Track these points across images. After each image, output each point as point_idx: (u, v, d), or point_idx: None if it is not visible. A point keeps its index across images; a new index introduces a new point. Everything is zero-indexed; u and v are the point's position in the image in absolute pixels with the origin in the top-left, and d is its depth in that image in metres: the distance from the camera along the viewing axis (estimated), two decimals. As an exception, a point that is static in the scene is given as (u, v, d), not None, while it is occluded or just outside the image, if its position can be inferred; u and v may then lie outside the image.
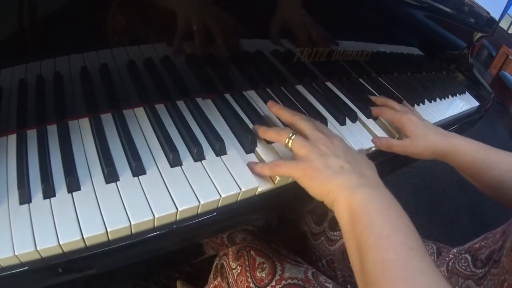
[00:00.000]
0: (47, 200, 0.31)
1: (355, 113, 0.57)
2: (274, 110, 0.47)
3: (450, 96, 0.86)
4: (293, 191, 0.42)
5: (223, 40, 0.46)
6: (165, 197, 0.34)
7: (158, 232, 0.33)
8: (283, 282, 0.49)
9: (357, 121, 0.57)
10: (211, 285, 0.60)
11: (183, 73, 0.46)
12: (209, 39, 0.44)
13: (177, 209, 0.33)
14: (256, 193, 0.39)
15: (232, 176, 0.38)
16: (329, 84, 0.64)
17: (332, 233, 0.63)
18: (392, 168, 0.72)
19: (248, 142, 0.42)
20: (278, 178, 0.40)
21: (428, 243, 0.60)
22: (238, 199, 0.38)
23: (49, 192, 0.31)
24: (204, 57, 0.46)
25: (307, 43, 0.55)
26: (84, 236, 0.29)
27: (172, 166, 0.37)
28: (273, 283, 0.49)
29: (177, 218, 0.34)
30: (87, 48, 0.37)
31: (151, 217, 0.32)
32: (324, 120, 0.52)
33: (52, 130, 0.37)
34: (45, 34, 0.34)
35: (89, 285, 0.33)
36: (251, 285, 0.50)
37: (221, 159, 0.40)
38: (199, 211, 0.36)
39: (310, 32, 0.54)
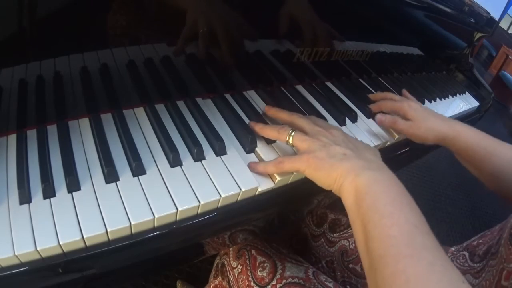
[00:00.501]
0: (47, 200, 0.31)
1: (355, 113, 0.57)
2: (272, 113, 0.48)
3: (450, 96, 0.86)
4: (293, 191, 0.42)
5: (224, 40, 0.46)
6: (165, 197, 0.34)
7: (158, 232, 0.33)
8: (284, 281, 0.49)
9: (357, 121, 0.57)
10: (212, 285, 0.60)
11: (183, 73, 0.46)
12: (209, 40, 0.44)
13: (177, 209, 0.33)
14: (256, 193, 0.39)
15: (232, 176, 0.38)
16: (329, 84, 0.64)
17: (332, 235, 0.63)
18: (396, 166, 0.72)
19: (248, 142, 0.42)
20: (278, 178, 0.40)
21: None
22: (238, 199, 0.38)
23: (49, 192, 0.31)
24: (204, 57, 0.46)
25: (307, 43, 0.55)
26: (84, 236, 0.29)
27: (172, 166, 0.37)
28: (274, 282, 0.49)
29: (177, 218, 0.34)
30: (87, 48, 0.37)
31: (151, 217, 0.32)
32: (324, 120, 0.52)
33: (52, 130, 0.37)
34: (45, 34, 0.34)
35: (89, 285, 0.33)
36: (252, 284, 0.50)
37: (221, 159, 0.40)
38: (199, 211, 0.36)
39: (310, 32, 0.54)
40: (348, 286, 0.57)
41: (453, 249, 0.52)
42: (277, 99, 0.54)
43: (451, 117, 0.76)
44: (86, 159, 0.35)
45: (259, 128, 0.44)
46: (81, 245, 0.30)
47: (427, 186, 1.77)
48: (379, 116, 0.54)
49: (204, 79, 0.48)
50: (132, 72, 0.41)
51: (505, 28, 3.76)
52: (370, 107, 0.60)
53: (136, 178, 0.35)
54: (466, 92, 0.96)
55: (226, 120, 0.46)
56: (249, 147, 0.43)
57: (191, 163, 0.38)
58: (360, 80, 0.71)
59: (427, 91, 0.79)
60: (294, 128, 0.42)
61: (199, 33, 0.43)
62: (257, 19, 0.49)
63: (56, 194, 0.31)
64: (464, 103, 0.89)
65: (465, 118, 0.85)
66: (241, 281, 0.52)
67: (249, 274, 0.51)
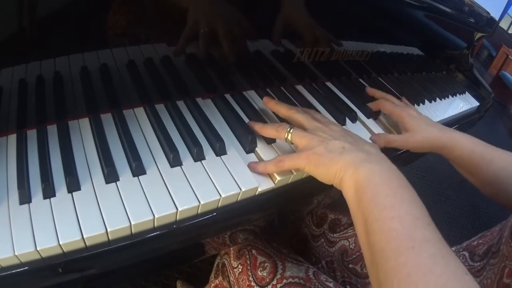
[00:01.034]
0: (47, 200, 0.31)
1: (355, 113, 0.57)
2: (270, 105, 0.48)
3: (450, 96, 0.86)
4: (293, 191, 0.42)
5: (224, 40, 0.46)
6: (165, 197, 0.34)
7: (158, 232, 0.33)
8: (284, 281, 0.49)
9: (357, 121, 0.57)
10: (212, 284, 0.60)
11: (183, 73, 0.46)
12: (210, 40, 0.44)
13: (177, 209, 0.33)
14: (256, 193, 0.39)
15: (232, 176, 0.38)
16: (329, 84, 0.64)
17: (332, 235, 0.63)
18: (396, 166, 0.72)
19: (248, 142, 0.42)
20: (278, 178, 0.40)
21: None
22: (238, 199, 0.38)
23: (49, 192, 0.31)
24: (204, 57, 0.46)
25: (307, 43, 0.55)
26: (84, 236, 0.29)
27: (172, 166, 0.37)
28: (274, 282, 0.49)
29: (177, 218, 0.34)
30: (87, 48, 0.37)
31: (151, 217, 0.32)
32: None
33: (52, 130, 0.37)
34: (45, 34, 0.34)
35: (89, 285, 0.33)
36: (253, 284, 0.50)
37: (221, 159, 0.40)
38: (199, 211, 0.36)
39: (310, 32, 0.54)
40: (348, 286, 0.57)
41: (453, 249, 0.52)
42: (276, 99, 0.54)
43: (451, 117, 0.77)
44: (86, 159, 0.35)
45: (258, 128, 0.44)
46: (81, 245, 0.30)
47: (427, 186, 1.77)
48: (373, 137, 0.52)
49: (204, 79, 0.48)
50: (132, 72, 0.41)
51: (505, 28, 3.76)
52: (369, 105, 0.60)
53: (136, 178, 0.35)
54: (466, 92, 0.96)
55: (226, 120, 0.46)
56: (249, 147, 0.43)
57: (191, 163, 0.38)
58: (360, 80, 0.71)
59: (427, 91, 0.79)
60: (292, 123, 0.42)
61: (199, 33, 0.43)
62: (257, 19, 0.49)
63: (56, 194, 0.31)
64: (464, 103, 0.89)
65: (465, 118, 0.85)
66: (242, 281, 0.52)
67: (250, 274, 0.51)
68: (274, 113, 0.49)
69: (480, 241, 0.45)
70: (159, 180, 0.35)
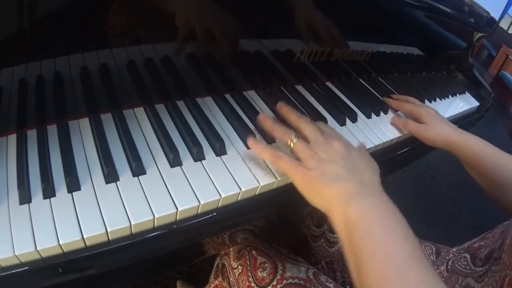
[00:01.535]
0: (47, 200, 0.31)
1: (355, 113, 0.57)
2: (284, 111, 0.46)
3: (450, 96, 0.86)
4: (293, 191, 0.42)
5: (224, 40, 0.46)
6: (165, 197, 0.34)
7: (158, 232, 0.33)
8: (284, 281, 0.49)
9: (357, 121, 0.57)
10: (212, 285, 0.60)
11: (183, 73, 0.46)
12: (210, 40, 0.44)
13: (177, 209, 0.33)
14: (256, 193, 0.39)
15: (232, 176, 0.38)
16: (329, 84, 0.64)
17: (332, 235, 0.63)
18: (396, 166, 0.72)
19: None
20: (278, 178, 0.40)
21: (427, 244, 0.60)
22: (238, 199, 0.38)
23: (49, 192, 0.31)
24: (204, 57, 0.46)
25: (307, 43, 0.55)
26: (84, 236, 0.29)
27: (172, 166, 0.37)
28: (274, 283, 0.49)
29: (177, 218, 0.34)
30: (87, 48, 0.37)
31: (151, 217, 0.32)
32: (324, 120, 0.52)
33: (52, 130, 0.37)
34: (45, 34, 0.34)
35: (89, 285, 0.33)
36: (253, 284, 0.50)
37: (221, 159, 0.40)
38: (199, 211, 0.36)
39: (310, 32, 0.54)
40: (348, 287, 0.57)
41: (454, 250, 0.52)
42: (277, 99, 0.54)
43: (451, 117, 0.76)
44: (86, 159, 0.35)
45: (269, 124, 0.43)
46: (81, 245, 0.30)
47: (427, 186, 1.77)
48: (394, 118, 0.59)
49: (204, 79, 0.48)
50: (132, 72, 0.41)
51: (505, 28, 3.76)
52: (389, 102, 0.64)
53: (136, 178, 0.35)
54: (466, 92, 0.96)
55: (226, 120, 0.46)
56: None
57: (191, 163, 0.38)
58: (360, 80, 0.71)
59: (427, 91, 0.79)
60: (299, 132, 0.42)
61: (197, 34, 0.43)
62: (257, 19, 0.49)
63: (56, 194, 0.31)
64: (464, 103, 0.89)
65: (465, 118, 0.85)
66: (242, 281, 0.52)
67: (250, 274, 0.51)
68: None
69: (482, 243, 0.45)
70: (159, 180, 0.35)
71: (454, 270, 0.46)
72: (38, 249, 0.27)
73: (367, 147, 0.52)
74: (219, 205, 0.37)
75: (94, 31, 0.37)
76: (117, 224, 0.30)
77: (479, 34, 0.97)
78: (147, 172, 0.36)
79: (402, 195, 1.57)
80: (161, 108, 0.44)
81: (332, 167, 0.37)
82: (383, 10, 0.63)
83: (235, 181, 0.38)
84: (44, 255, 0.28)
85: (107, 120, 0.40)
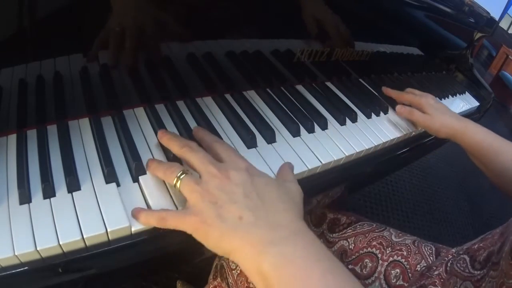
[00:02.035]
0: (47, 200, 0.31)
1: (355, 113, 0.57)
2: (164, 142, 0.37)
3: (450, 96, 0.86)
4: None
5: (224, 40, 0.46)
6: (165, 197, 0.34)
7: (158, 232, 0.33)
8: (283, 282, 0.48)
9: (357, 121, 0.57)
10: (211, 286, 0.60)
11: (183, 73, 0.46)
12: (210, 40, 0.44)
13: (177, 208, 0.33)
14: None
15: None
16: (329, 84, 0.64)
17: (331, 235, 0.63)
18: (396, 166, 0.72)
19: (247, 140, 0.42)
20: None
21: (427, 244, 0.60)
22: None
23: (49, 192, 0.31)
24: (204, 57, 0.46)
25: (310, 41, 0.55)
26: (84, 236, 0.29)
27: (172, 166, 0.37)
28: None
29: (177, 218, 0.34)
30: (87, 48, 0.37)
31: (151, 217, 0.32)
32: (324, 120, 0.51)
33: (52, 130, 0.37)
34: (45, 34, 0.34)
35: (89, 285, 0.33)
36: (251, 285, 0.50)
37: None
38: (199, 211, 0.35)
39: (315, 30, 0.54)
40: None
41: (453, 251, 0.52)
42: (277, 99, 0.54)
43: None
44: (86, 159, 0.35)
45: (152, 168, 0.35)
46: (81, 245, 0.30)
47: (427, 186, 1.77)
48: (399, 107, 0.59)
49: (204, 79, 0.48)
50: (132, 73, 0.41)
51: (505, 28, 3.75)
52: (388, 93, 0.65)
53: (136, 178, 0.35)
54: (466, 92, 0.96)
55: (226, 120, 0.46)
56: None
57: (191, 163, 0.38)
58: (360, 80, 0.71)
59: (427, 91, 0.79)
60: (188, 164, 0.34)
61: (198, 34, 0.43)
62: (258, 19, 0.49)
63: (56, 194, 0.31)
64: (464, 103, 0.89)
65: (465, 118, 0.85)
66: (240, 282, 0.52)
67: (249, 274, 0.51)
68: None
69: (481, 245, 0.45)
70: (159, 180, 0.35)
71: (453, 272, 0.46)
72: (38, 249, 0.27)
73: (368, 147, 0.52)
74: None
75: (94, 31, 0.37)
76: (117, 224, 0.30)
77: (479, 34, 0.97)
78: (147, 172, 0.36)
79: (403, 195, 1.57)
80: (161, 108, 0.44)
81: (232, 209, 0.29)
82: (383, 10, 0.63)
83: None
84: (44, 255, 0.28)
85: (107, 120, 0.40)
